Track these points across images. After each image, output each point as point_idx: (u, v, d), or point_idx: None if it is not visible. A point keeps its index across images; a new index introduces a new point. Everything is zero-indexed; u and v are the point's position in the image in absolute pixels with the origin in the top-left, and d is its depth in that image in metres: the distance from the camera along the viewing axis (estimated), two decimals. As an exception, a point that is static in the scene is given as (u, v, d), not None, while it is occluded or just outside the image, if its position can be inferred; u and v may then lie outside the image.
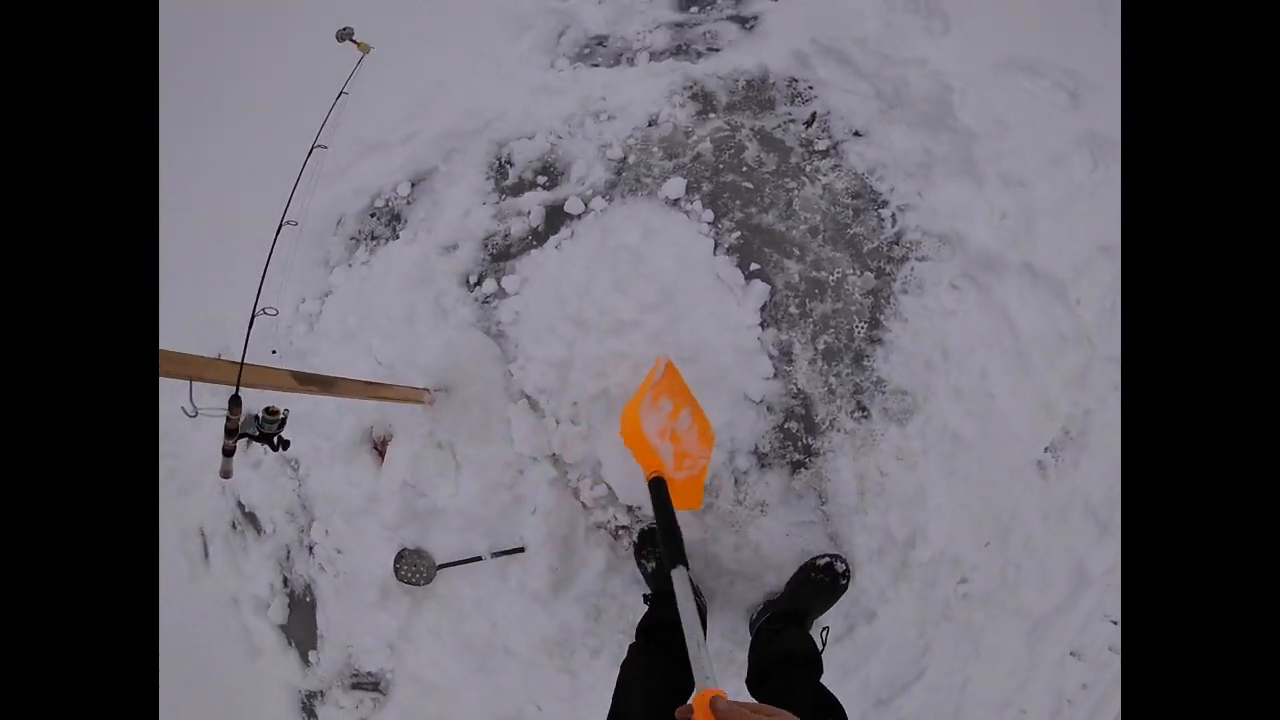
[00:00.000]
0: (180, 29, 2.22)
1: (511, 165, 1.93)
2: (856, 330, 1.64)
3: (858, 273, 1.67)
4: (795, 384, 1.62)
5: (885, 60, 1.78)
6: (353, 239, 2.00)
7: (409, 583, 1.69)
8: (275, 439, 1.07)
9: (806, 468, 1.60)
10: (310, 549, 1.87)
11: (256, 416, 1.07)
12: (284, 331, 1.93)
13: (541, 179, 1.90)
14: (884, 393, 1.60)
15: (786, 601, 1.49)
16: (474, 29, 2.11)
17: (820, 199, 1.74)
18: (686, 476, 1.42)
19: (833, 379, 1.63)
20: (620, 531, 1.65)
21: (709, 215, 1.75)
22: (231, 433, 1.02)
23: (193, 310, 2.05)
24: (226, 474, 1.06)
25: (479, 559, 1.65)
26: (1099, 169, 1.59)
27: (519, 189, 1.90)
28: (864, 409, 1.60)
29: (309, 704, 1.89)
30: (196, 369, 0.96)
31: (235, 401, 1.01)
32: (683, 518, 1.58)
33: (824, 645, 1.34)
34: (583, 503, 1.65)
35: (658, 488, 1.32)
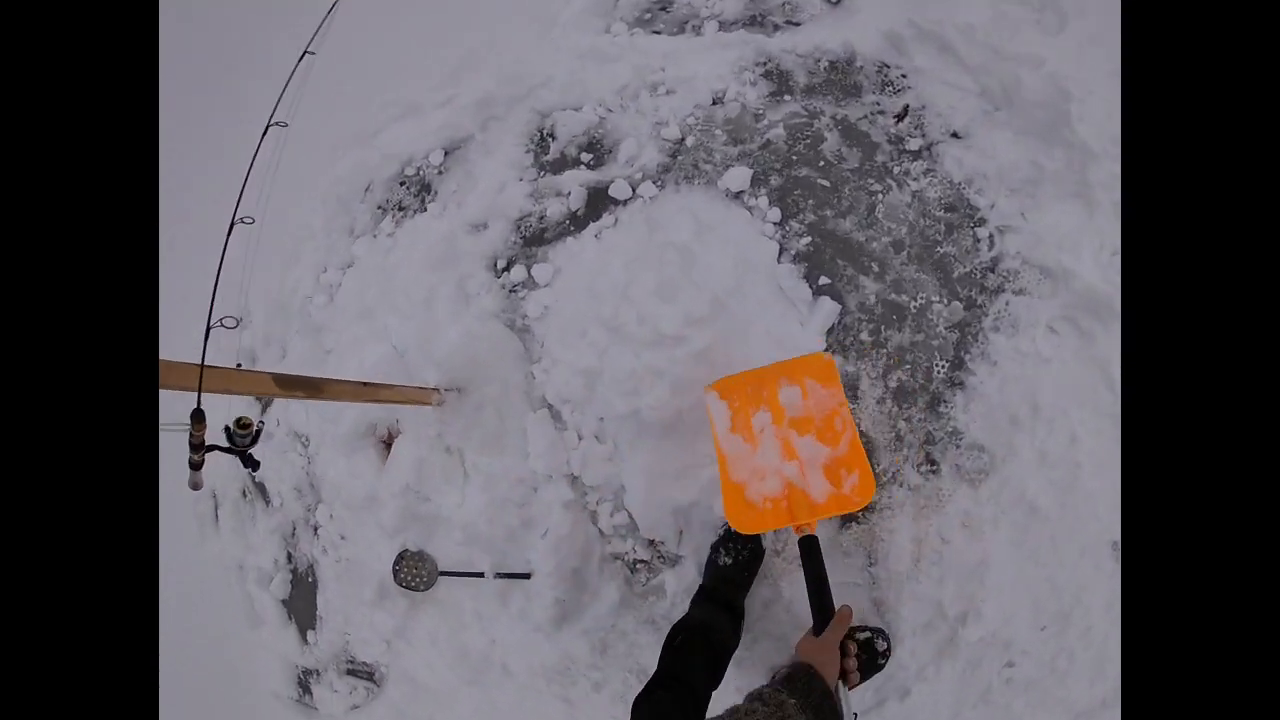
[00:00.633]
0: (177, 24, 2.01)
1: (554, 139, 1.75)
2: (936, 370, 1.43)
3: (944, 301, 1.45)
4: (858, 425, 1.42)
5: (994, 54, 1.54)
6: (380, 208, 1.86)
7: (409, 588, 1.59)
8: (245, 456, 0.94)
9: (859, 522, 1.41)
10: (315, 529, 1.80)
11: (227, 428, 0.94)
12: (302, 303, 1.82)
13: (586, 156, 1.73)
14: (959, 446, 1.40)
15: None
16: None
17: (908, 207, 1.52)
18: (826, 500, 1.17)
19: (902, 423, 1.42)
20: (639, 565, 1.49)
21: (775, 214, 1.55)
22: (197, 448, 0.89)
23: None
24: (196, 486, 0.94)
25: (481, 575, 1.52)
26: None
27: (560, 166, 1.73)
28: (933, 463, 1.40)
29: (304, 680, 1.86)
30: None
31: (198, 415, 0.87)
32: (707, 537, 1.42)
33: None
34: (600, 530, 1.49)
35: (808, 547, 1.13)
